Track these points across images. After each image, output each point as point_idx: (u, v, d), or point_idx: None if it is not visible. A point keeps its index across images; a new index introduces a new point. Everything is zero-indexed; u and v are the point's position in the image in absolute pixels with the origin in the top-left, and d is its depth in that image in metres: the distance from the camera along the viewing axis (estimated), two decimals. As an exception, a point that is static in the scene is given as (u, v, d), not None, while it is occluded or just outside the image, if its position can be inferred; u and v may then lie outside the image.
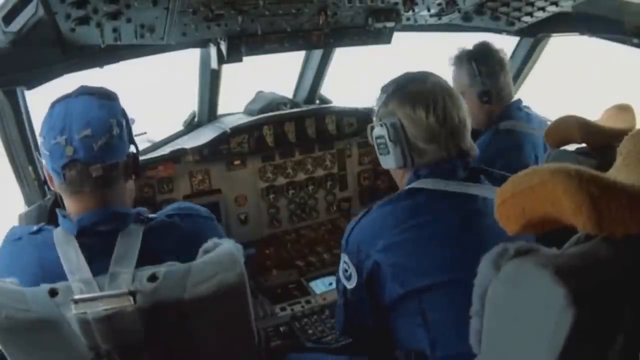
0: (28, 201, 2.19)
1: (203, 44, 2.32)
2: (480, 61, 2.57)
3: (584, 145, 2.22)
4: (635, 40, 2.46)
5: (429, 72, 1.76)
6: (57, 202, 1.58)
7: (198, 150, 2.72)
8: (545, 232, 0.96)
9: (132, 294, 1.29)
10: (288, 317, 2.49)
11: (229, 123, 2.92)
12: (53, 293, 1.31)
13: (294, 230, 3.07)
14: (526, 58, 3.29)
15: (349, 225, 1.72)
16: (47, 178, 1.56)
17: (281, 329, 2.40)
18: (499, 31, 3.08)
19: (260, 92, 3.27)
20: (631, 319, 0.83)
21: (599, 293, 0.82)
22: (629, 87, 5.40)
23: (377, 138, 1.72)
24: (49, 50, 1.83)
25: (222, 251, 1.43)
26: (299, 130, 2.95)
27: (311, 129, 2.99)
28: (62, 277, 1.36)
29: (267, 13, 2.07)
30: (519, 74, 3.35)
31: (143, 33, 1.92)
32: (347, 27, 2.40)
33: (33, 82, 1.94)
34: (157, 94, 9.90)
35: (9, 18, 1.65)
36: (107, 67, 2.16)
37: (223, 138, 2.79)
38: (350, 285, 1.67)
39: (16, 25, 1.67)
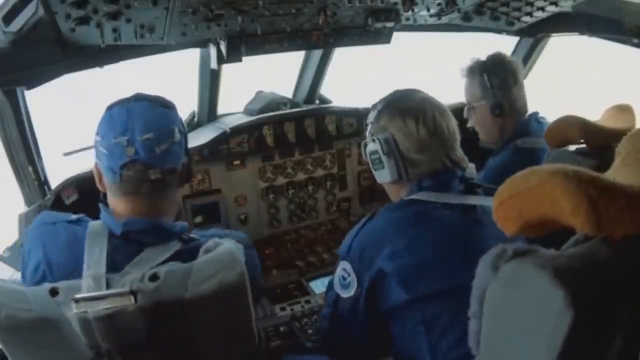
0: (28, 201, 2.19)
1: (203, 44, 2.32)
2: (492, 73, 2.48)
3: (583, 145, 2.22)
4: (635, 40, 2.46)
5: (417, 89, 1.83)
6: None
7: (198, 150, 2.72)
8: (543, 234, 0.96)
9: (133, 293, 1.29)
10: (288, 317, 2.49)
11: (229, 123, 2.93)
12: (54, 292, 1.31)
13: (293, 230, 3.07)
14: (526, 58, 3.29)
15: (349, 233, 1.73)
16: (96, 176, 1.55)
17: (281, 329, 2.40)
18: (498, 31, 3.08)
19: (260, 92, 3.27)
20: (630, 320, 0.83)
21: (598, 294, 0.82)
22: (629, 87, 5.39)
23: (371, 154, 1.77)
24: (49, 50, 1.83)
25: (222, 250, 1.43)
26: (298, 130, 2.96)
27: (311, 129, 2.99)
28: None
29: (267, 13, 2.07)
30: (519, 74, 3.36)
31: (143, 33, 1.92)
32: (346, 27, 2.40)
33: (33, 82, 1.94)
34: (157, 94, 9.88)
35: (9, 18, 1.65)
36: (107, 67, 2.16)
37: (223, 138, 2.79)
38: (347, 294, 1.65)
39: (16, 25, 1.67)
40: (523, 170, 0.96)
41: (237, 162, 2.87)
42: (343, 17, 2.31)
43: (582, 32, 2.81)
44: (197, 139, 2.86)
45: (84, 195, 2.34)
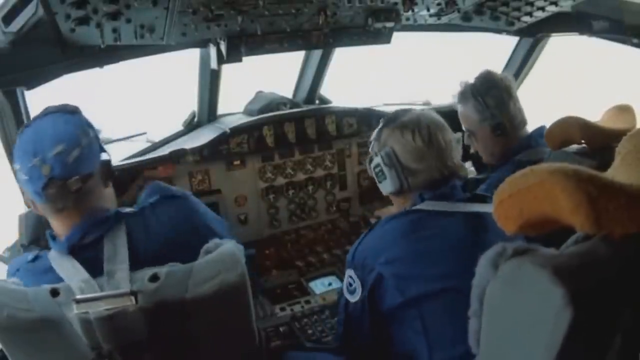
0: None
1: (203, 44, 2.32)
2: (486, 94, 2.41)
3: (584, 145, 2.22)
4: (635, 40, 2.46)
5: (413, 108, 1.96)
6: (47, 224, 1.59)
7: (198, 150, 2.72)
8: (543, 233, 0.96)
9: (134, 293, 1.29)
10: (288, 317, 2.49)
11: (229, 123, 2.92)
12: (55, 293, 1.32)
13: (293, 231, 3.07)
14: (526, 58, 3.29)
15: (354, 244, 1.83)
16: (32, 204, 1.57)
17: (281, 329, 2.41)
18: (498, 31, 3.08)
19: (260, 92, 3.27)
20: (629, 319, 0.83)
21: (597, 293, 0.82)
22: (629, 87, 5.39)
23: (374, 167, 1.88)
24: (49, 50, 1.83)
25: (223, 251, 1.44)
26: (298, 131, 2.95)
27: (311, 129, 2.99)
28: None
29: (266, 13, 2.07)
30: (519, 74, 3.36)
31: (143, 33, 1.92)
32: (346, 27, 2.40)
33: (33, 82, 1.94)
34: (157, 94, 9.90)
35: (8, 18, 1.65)
36: (107, 67, 2.16)
37: (223, 138, 2.79)
38: (354, 299, 1.76)
39: (16, 25, 1.67)
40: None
41: (237, 162, 2.87)
42: (343, 17, 2.31)
43: (582, 32, 2.81)
44: (197, 139, 2.86)
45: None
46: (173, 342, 1.43)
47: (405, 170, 1.80)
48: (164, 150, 2.76)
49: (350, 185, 3.21)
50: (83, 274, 1.38)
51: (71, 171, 1.46)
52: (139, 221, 1.56)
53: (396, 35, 2.57)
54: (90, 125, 1.60)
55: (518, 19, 2.88)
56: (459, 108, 2.53)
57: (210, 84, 2.93)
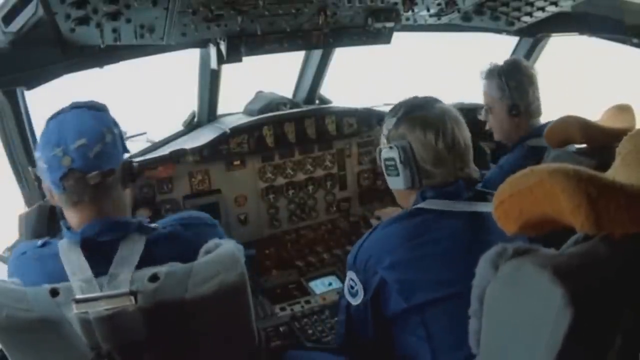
0: (28, 202, 2.19)
1: (203, 44, 2.32)
2: (509, 76, 2.61)
3: (584, 145, 2.22)
4: (635, 40, 2.46)
5: (435, 98, 1.84)
6: (62, 214, 1.59)
7: (198, 150, 2.72)
8: (543, 233, 0.96)
9: (133, 293, 1.29)
10: (288, 317, 2.49)
11: (229, 123, 2.92)
12: (54, 293, 1.32)
13: (293, 231, 3.07)
14: (526, 58, 3.28)
15: (355, 245, 1.78)
16: (48, 193, 1.57)
17: (281, 329, 2.40)
18: (498, 31, 3.08)
19: (260, 92, 3.27)
20: (630, 319, 0.83)
21: (597, 293, 0.82)
22: (629, 87, 5.39)
23: (386, 160, 1.77)
24: (49, 50, 1.83)
25: (223, 251, 1.44)
26: (298, 131, 2.95)
27: (311, 129, 2.99)
28: None
29: (266, 13, 2.07)
30: (519, 73, 3.36)
31: (143, 33, 1.92)
32: (346, 27, 2.40)
33: (33, 82, 1.94)
34: (157, 94, 9.90)
35: (8, 18, 1.65)
36: (106, 67, 2.16)
37: (223, 138, 2.79)
38: (356, 301, 1.72)
39: (16, 25, 1.67)
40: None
41: (237, 163, 2.87)
42: (343, 17, 2.30)
43: (582, 32, 2.82)
44: (197, 139, 2.86)
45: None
46: (172, 342, 1.43)
47: (420, 171, 1.71)
48: (164, 150, 2.76)
49: (350, 185, 3.20)
50: (86, 270, 1.37)
51: (92, 166, 1.46)
52: (162, 237, 1.54)
53: (396, 35, 2.57)
54: (115, 124, 1.60)
55: (518, 19, 2.88)
56: (483, 84, 2.72)
57: (210, 84, 2.93)
